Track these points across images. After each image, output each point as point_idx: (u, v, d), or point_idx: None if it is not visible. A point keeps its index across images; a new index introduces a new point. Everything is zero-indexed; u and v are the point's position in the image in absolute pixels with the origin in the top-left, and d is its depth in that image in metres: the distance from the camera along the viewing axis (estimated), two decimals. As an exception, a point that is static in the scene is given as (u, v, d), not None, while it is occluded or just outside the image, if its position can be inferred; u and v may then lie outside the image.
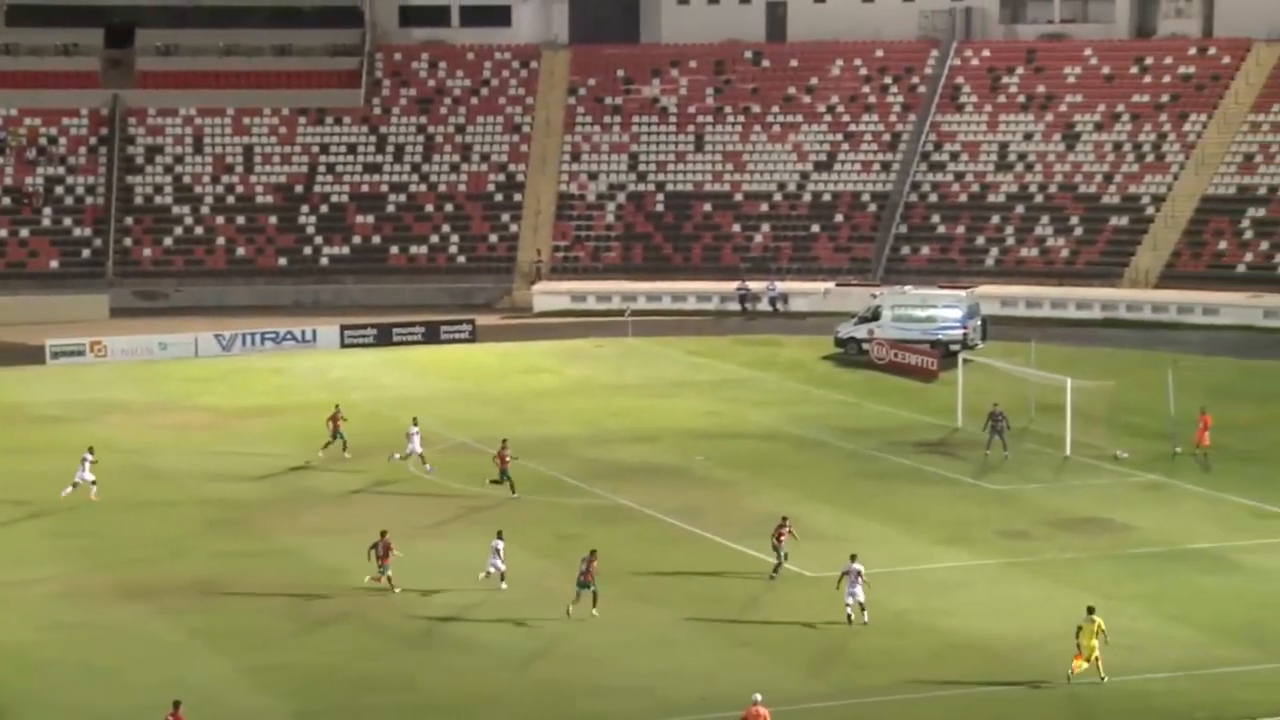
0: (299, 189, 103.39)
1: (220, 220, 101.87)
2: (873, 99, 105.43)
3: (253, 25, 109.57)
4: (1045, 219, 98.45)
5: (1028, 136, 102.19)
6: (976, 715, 40.99)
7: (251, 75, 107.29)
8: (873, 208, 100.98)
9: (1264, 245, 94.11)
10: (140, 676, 42.98)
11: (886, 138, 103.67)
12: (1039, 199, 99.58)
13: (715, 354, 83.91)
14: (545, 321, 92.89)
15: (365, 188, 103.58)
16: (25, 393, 76.41)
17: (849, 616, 46.27)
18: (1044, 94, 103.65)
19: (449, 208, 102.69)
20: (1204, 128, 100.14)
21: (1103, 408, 65.56)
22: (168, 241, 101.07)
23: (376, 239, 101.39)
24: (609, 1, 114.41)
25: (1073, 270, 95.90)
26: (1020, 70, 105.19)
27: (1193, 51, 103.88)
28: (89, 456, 58.58)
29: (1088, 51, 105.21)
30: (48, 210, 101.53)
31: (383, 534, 49.52)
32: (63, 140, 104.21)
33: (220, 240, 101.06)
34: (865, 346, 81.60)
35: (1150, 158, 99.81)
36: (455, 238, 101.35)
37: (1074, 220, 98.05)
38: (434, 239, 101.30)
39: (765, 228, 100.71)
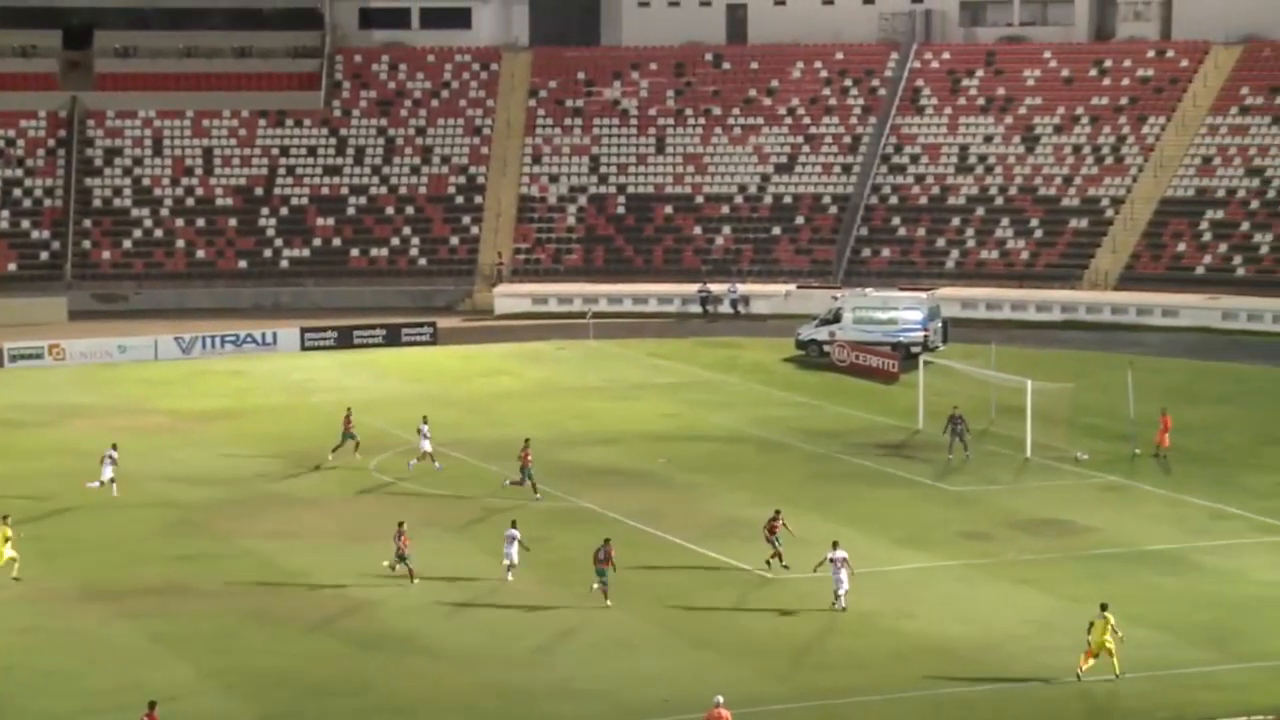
0: (259, 191, 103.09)
1: (180, 223, 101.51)
2: (833, 101, 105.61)
3: (212, 27, 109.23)
4: (1005, 221, 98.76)
5: (988, 139, 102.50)
6: (940, 716, 41.06)
7: (211, 77, 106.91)
8: (833, 210, 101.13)
9: (1222, 247, 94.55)
10: (100, 680, 42.78)
11: (847, 140, 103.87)
12: (999, 201, 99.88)
13: (677, 356, 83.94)
14: (506, 324, 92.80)
15: (325, 190, 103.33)
16: (-17, 396, 76.00)
17: (834, 605, 46.90)
18: (1004, 96, 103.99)
19: (410, 210, 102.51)
20: (1162, 130, 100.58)
21: (1063, 409, 65.79)
22: (127, 244, 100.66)
23: (337, 241, 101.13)
24: (569, 4, 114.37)
25: (1032, 272, 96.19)
26: (980, 73, 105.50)
27: (1151, 54, 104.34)
28: (112, 453, 58.73)
29: (1047, 54, 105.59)
30: (5, 212, 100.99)
31: (400, 525, 49.99)
32: (20, 142, 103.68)
33: (180, 243, 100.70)
34: (826, 349, 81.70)
35: (1109, 160, 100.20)
36: (416, 240, 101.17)
37: (1034, 222, 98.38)
38: (395, 241, 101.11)
39: (726, 230, 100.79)
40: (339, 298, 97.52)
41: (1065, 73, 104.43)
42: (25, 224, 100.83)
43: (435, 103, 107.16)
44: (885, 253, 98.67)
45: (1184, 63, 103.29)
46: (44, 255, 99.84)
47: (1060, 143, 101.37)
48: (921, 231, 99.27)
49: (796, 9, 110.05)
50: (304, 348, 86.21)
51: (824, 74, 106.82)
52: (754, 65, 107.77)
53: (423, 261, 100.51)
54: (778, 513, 50.86)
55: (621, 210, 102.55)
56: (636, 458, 64.32)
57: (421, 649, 45.00)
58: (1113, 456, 63.42)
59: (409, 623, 46.82)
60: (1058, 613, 47.19)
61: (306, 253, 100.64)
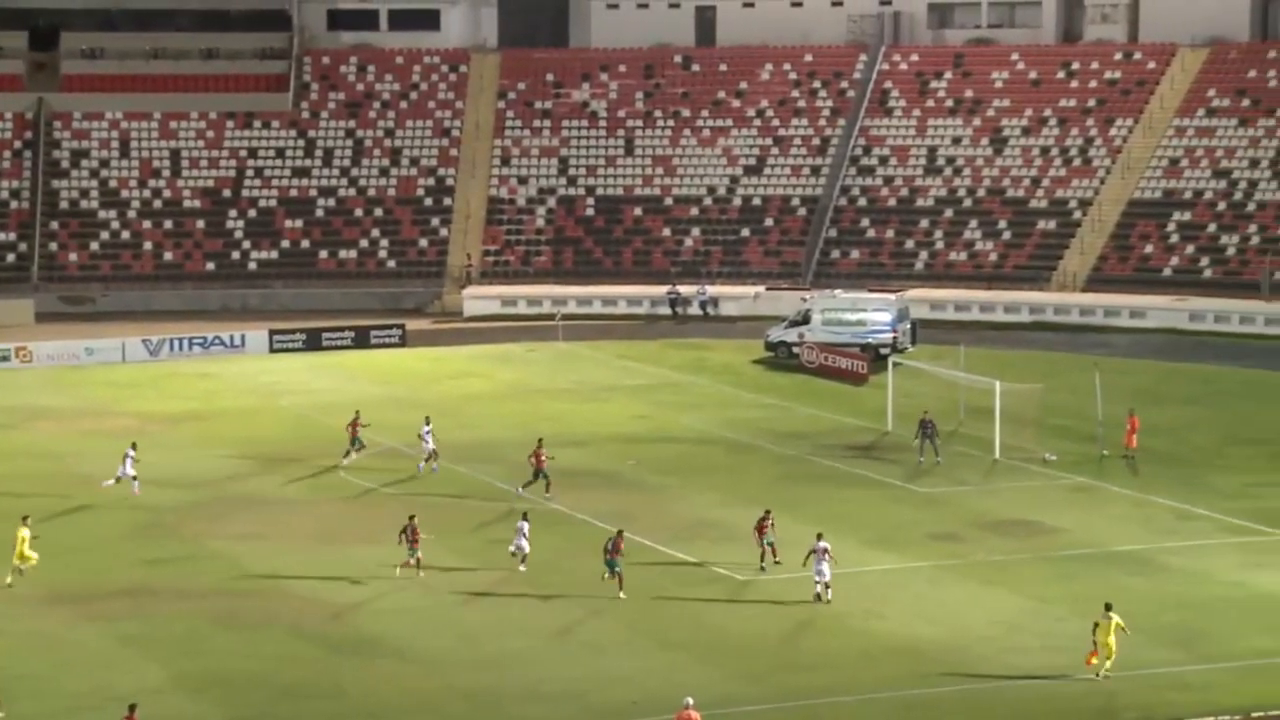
0: (226, 193, 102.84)
1: (147, 225, 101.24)
2: (802, 103, 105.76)
3: (179, 28, 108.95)
4: (974, 223, 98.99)
5: (956, 141, 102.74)
6: (910, 717, 41.15)
7: (178, 79, 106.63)
8: (802, 212, 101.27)
9: (1189, 249, 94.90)
10: (69, 683, 42.65)
11: (816, 142, 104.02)
12: (967, 203, 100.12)
13: (646, 358, 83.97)
14: (475, 326, 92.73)
15: (294, 192, 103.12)
16: (-50, 399, 75.71)
17: (817, 595, 47.38)
18: (972, 98, 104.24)
19: (378, 212, 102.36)
20: (1130, 132, 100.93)
21: (1031, 411, 65.96)
22: (94, 246, 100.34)
23: (305, 243, 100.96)
24: (538, 6, 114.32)
25: (1001, 274, 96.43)
26: (948, 75, 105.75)
27: (1118, 57, 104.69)
28: (131, 452, 58.86)
29: (1015, 56, 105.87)
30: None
31: (411, 518, 50.36)
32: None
33: (147, 245, 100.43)
34: (795, 350, 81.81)
35: (1077, 162, 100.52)
36: (385, 242, 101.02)
37: (1002, 224, 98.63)
38: (363, 243, 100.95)
39: (695, 232, 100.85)
40: (307, 300, 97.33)
41: (1033, 75, 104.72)
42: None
43: (404, 104, 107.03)
44: (854, 254, 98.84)
45: (1151, 65, 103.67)
46: (10, 257, 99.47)
47: (1028, 144, 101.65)
48: (890, 233, 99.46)
49: (765, 11, 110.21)
50: (272, 350, 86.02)
51: (793, 76, 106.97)
52: (723, 67, 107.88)
53: (391, 263, 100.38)
54: (768, 513, 51.12)
55: (590, 212, 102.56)
56: (606, 459, 64.34)
57: (392, 651, 44.95)
58: (1081, 457, 63.62)
59: (380, 625, 46.76)
60: (1026, 613, 47.36)
61: (275, 255, 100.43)
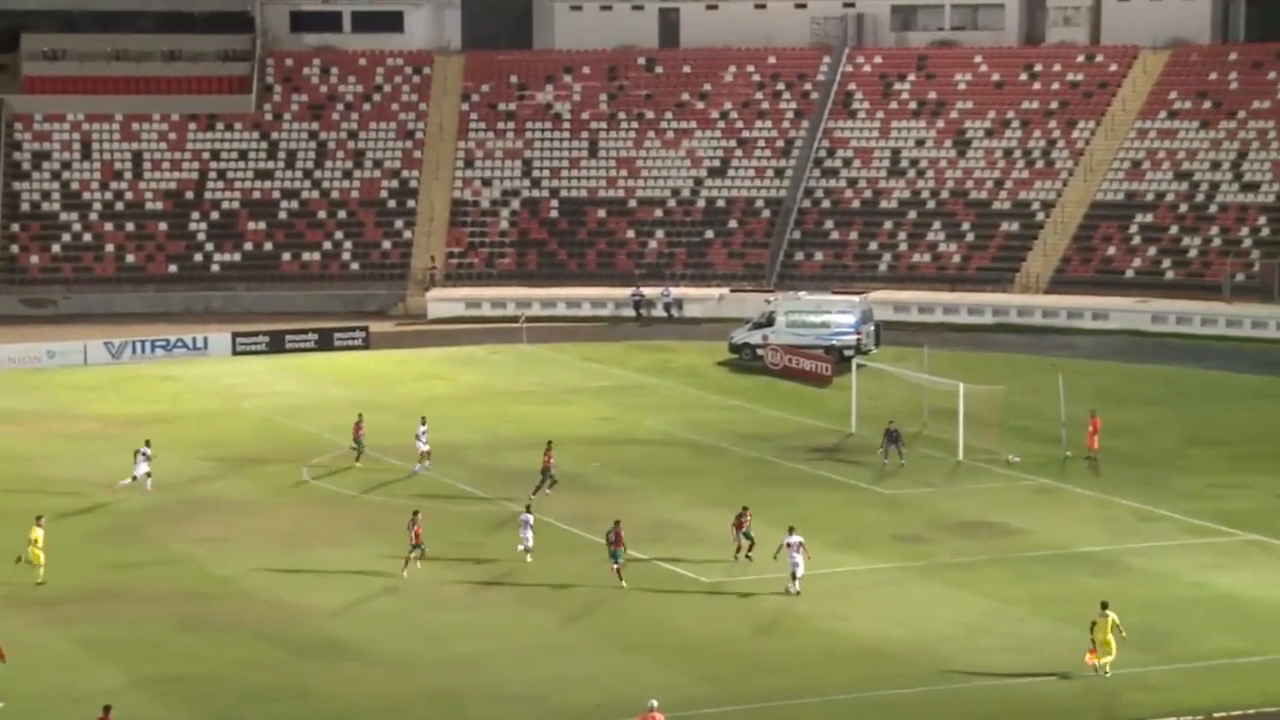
0: (189, 195, 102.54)
1: (109, 227, 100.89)
2: (766, 105, 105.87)
3: (141, 30, 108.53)
4: (937, 225, 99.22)
5: (919, 143, 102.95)
6: (873, 718, 41.16)
7: (140, 80, 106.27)
8: (766, 214, 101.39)
9: (1151, 251, 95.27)
10: (29, 686, 42.38)
11: (780, 144, 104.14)
12: (931, 205, 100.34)
13: (610, 360, 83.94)
14: (439, 328, 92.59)
15: (257, 194, 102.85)
16: (-90, 402, 75.31)
17: (787, 588, 47.99)
18: (935, 100, 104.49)
19: (342, 214, 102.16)
20: (1092, 134, 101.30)
21: (994, 412, 66.10)
22: (55, 248, 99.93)
23: (268, 246, 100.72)
24: (502, 7, 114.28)
25: (964, 275, 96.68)
26: (911, 77, 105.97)
27: (1081, 59, 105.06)
28: (145, 450, 58.98)
29: (978, 59, 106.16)
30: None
31: (415, 514, 50.84)
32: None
33: (109, 247, 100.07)
34: (760, 352, 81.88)
35: (1040, 164, 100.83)
36: (348, 244, 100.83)
37: (965, 226, 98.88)
38: (327, 245, 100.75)
39: (659, 234, 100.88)
40: (270, 302, 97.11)
41: (996, 77, 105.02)
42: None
43: (367, 106, 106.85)
44: (818, 256, 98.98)
45: (1113, 67, 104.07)
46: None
47: (991, 146, 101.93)
48: (854, 235, 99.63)
49: (729, 13, 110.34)
50: (235, 352, 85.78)
51: (756, 78, 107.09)
52: (686, 69, 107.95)
53: (355, 266, 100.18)
54: (745, 509, 51.71)
55: (554, 214, 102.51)
56: (570, 461, 64.23)
57: (356, 654, 44.84)
58: (1044, 459, 63.79)
59: (344, 628, 46.64)
60: (989, 615, 47.46)
61: (237, 257, 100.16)
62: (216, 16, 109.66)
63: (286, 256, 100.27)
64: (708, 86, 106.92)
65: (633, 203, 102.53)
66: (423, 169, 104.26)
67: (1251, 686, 42.29)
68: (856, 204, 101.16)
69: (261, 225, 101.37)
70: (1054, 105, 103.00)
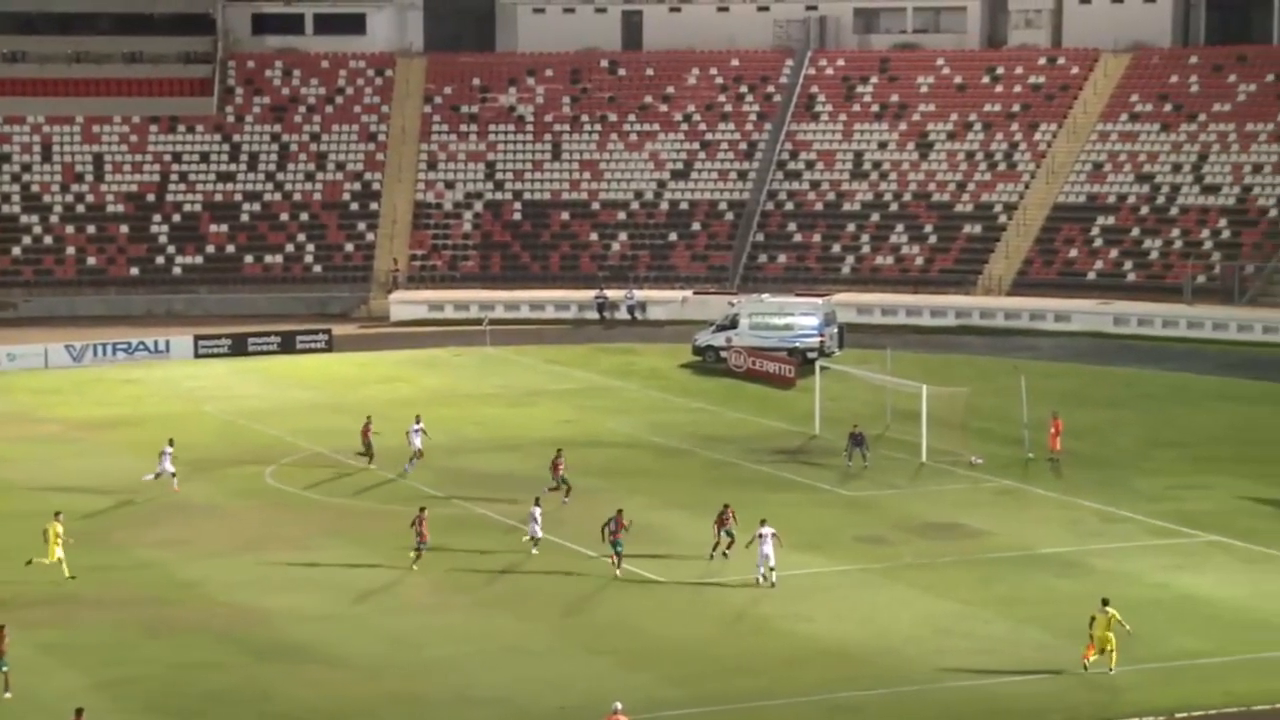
0: (150, 198, 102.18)
1: (70, 230, 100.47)
2: (729, 108, 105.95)
3: (102, 32, 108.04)
4: (900, 227, 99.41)
5: (882, 145, 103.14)
6: (836, 720, 41.27)
7: (101, 83, 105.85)
8: (730, 216, 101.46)
9: (1113, 253, 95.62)
10: (-10, 693, 42.18)
11: (743, 146, 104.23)
12: (894, 207, 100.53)
13: (574, 362, 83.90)
14: (402, 331, 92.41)
15: (219, 196, 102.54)
16: None
17: (759, 578, 48.83)
18: (897, 103, 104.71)
19: (304, 217, 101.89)
20: (1054, 137, 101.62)
21: (957, 414, 66.24)
22: (16, 251, 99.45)
23: (230, 248, 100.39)
24: (464, 10, 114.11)
25: (927, 278, 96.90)
26: (874, 79, 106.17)
27: (1042, 62, 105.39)
28: (169, 449, 59.14)
29: (940, 61, 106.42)
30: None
31: (421, 510, 51.34)
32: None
33: (70, 250, 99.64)
34: (723, 354, 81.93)
35: (1002, 166, 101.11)
36: (311, 247, 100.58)
37: (928, 228, 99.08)
38: (289, 248, 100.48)
39: (623, 236, 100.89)
40: (233, 305, 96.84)
41: (958, 80, 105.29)
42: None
43: (329, 109, 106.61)
44: (781, 258, 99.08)
45: (1074, 70, 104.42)
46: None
47: (954, 149, 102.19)
48: (817, 237, 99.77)
49: (692, 16, 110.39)
50: (197, 355, 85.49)
51: (719, 80, 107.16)
52: (649, 71, 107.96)
53: (318, 268, 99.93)
54: (727, 506, 52.07)
55: (518, 216, 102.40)
56: (534, 464, 64.17)
57: (319, 658, 44.71)
58: (1006, 460, 63.95)
59: (307, 631, 46.50)
60: (953, 616, 47.55)
61: (199, 260, 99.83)
62: (177, 18, 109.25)
63: (249, 259, 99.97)
64: (671, 89, 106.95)
65: (596, 205, 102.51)
66: (385, 171, 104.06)
67: (1214, 687, 42.46)
68: (819, 206, 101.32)
69: (223, 228, 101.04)
70: (1016, 108, 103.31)
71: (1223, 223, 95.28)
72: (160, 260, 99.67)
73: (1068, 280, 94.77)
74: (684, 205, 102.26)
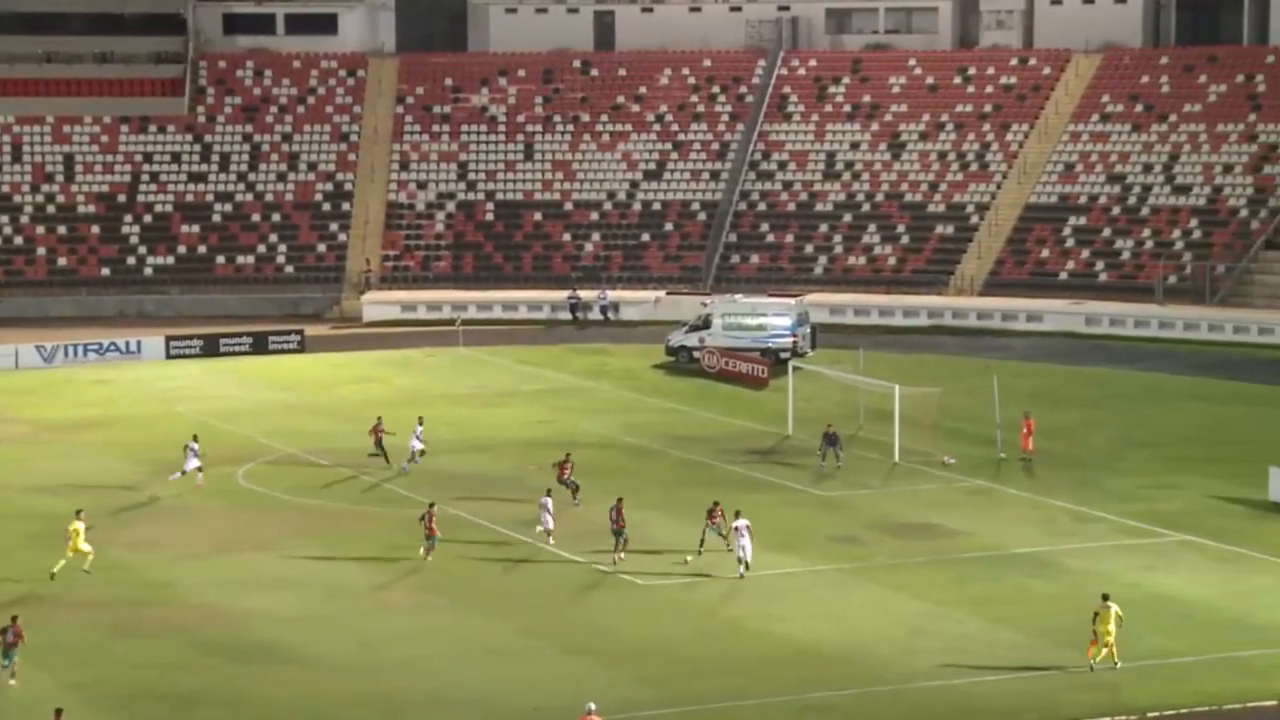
0: (122, 198, 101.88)
1: (40, 230, 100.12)
2: (701, 108, 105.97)
3: (72, 32, 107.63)
4: (872, 227, 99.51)
5: (854, 146, 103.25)
6: (809, 720, 41.28)
7: (72, 83, 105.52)
8: (702, 216, 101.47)
9: (1085, 253, 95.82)
10: (-40, 696, 42.03)
11: (715, 147, 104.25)
12: (866, 208, 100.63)
13: (547, 363, 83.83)
14: (375, 331, 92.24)
15: (190, 197, 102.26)
16: None
17: (741, 573, 49.61)
18: (870, 104, 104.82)
19: (276, 217, 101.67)
20: (1026, 137, 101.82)
21: (930, 414, 66.32)
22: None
23: (202, 249, 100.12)
24: (436, 10, 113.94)
25: (900, 278, 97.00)
26: (846, 80, 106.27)
27: (1014, 63, 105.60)
28: (194, 445, 59.15)
29: (912, 62, 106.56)
30: None
31: (430, 505, 51.77)
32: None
33: (41, 250, 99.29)
34: (696, 355, 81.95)
35: (974, 167, 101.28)
36: (283, 247, 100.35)
37: (900, 229, 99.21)
38: (261, 249, 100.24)
39: (595, 236, 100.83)
40: (204, 305, 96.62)
41: (930, 80, 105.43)
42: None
43: (301, 109, 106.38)
44: (754, 259, 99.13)
45: (1046, 71, 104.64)
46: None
47: (926, 149, 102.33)
48: (790, 238, 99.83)
49: (664, 16, 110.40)
50: (169, 356, 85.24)
51: (691, 81, 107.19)
52: (622, 72, 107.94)
53: (290, 269, 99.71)
54: (716, 503, 52.57)
55: (490, 217, 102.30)
56: (507, 465, 64.16)
57: (291, 659, 44.61)
58: (979, 460, 64.04)
59: (280, 632, 46.38)
60: (926, 616, 47.60)
61: (171, 260, 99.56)
62: (148, 18, 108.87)
63: (220, 259, 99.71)
64: (643, 89, 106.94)
65: (569, 205, 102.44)
66: (357, 172, 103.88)
67: (1186, 686, 42.58)
68: (792, 207, 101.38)
69: (195, 228, 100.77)
70: (988, 108, 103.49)
71: (1194, 223, 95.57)
72: (131, 261, 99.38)
73: (1040, 280, 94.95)
74: (657, 206, 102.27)
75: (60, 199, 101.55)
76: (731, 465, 64.04)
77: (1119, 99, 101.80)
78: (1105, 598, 43.60)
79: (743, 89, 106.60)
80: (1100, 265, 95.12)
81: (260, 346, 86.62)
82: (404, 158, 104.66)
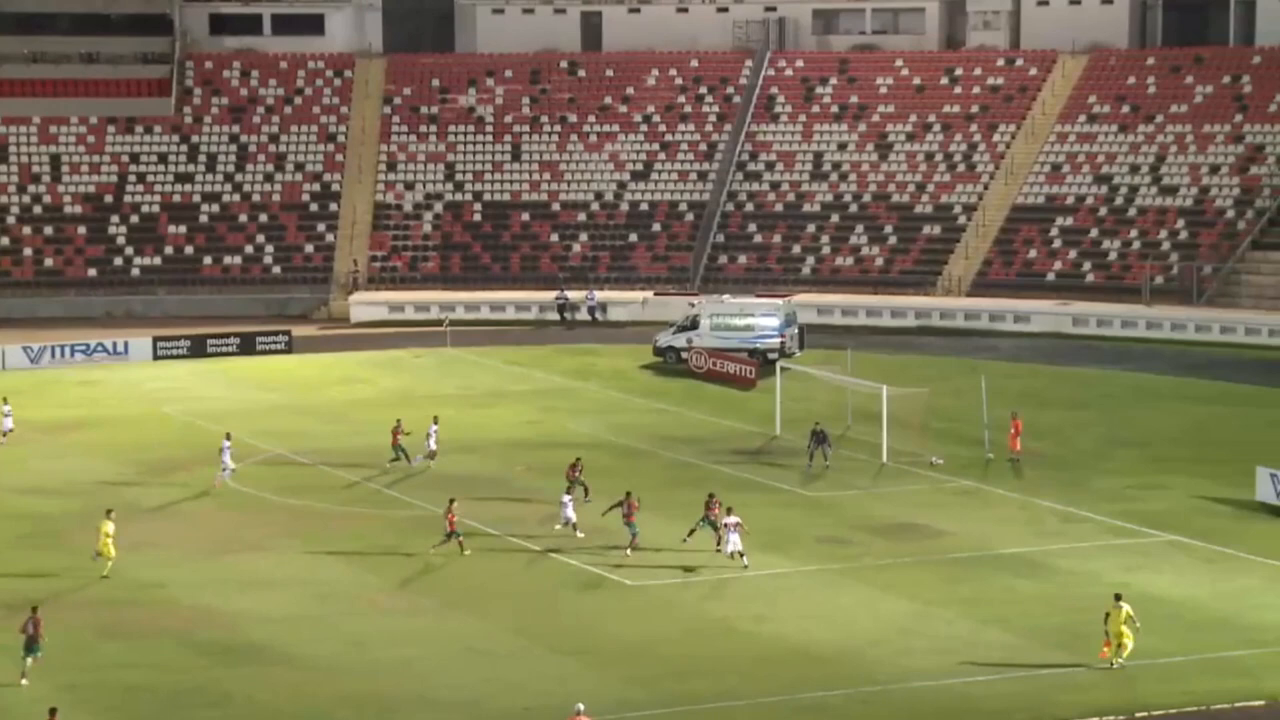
0: (108, 199, 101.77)
1: (27, 231, 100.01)
2: (688, 109, 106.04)
3: (59, 32, 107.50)
4: (860, 228, 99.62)
5: (841, 146, 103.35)
6: (799, 720, 41.33)
7: (58, 83, 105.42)
8: (690, 217, 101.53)
9: (1072, 254, 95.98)
10: (-51, 697, 41.99)
11: (703, 147, 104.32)
12: (853, 208, 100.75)
13: (534, 363, 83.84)
14: (363, 332, 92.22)
15: (177, 197, 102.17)
16: None
17: (744, 566, 50.39)
18: (857, 104, 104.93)
19: (263, 218, 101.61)
20: (1013, 138, 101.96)
21: (918, 414, 66.42)
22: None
23: (189, 249, 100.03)
24: (423, 11, 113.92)
25: (887, 279, 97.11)
26: (833, 80, 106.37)
27: (1001, 63, 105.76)
28: (227, 444, 59.66)
29: (899, 62, 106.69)
30: None
31: (451, 502, 52.21)
32: None
33: (27, 251, 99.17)
34: (684, 355, 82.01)
35: (961, 168, 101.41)
36: (270, 248, 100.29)
37: (888, 229, 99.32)
38: (248, 249, 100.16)
39: (583, 237, 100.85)
40: (192, 306, 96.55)
41: (917, 81, 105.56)
42: None
43: (288, 109, 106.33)
44: (742, 259, 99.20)
45: (1033, 71, 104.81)
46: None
47: (913, 150, 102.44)
48: (777, 238, 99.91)
49: (651, 16, 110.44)
50: (156, 357, 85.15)
51: (679, 81, 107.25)
52: (609, 72, 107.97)
53: (277, 269, 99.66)
54: (712, 495, 53.14)
55: (478, 217, 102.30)
56: (494, 465, 64.17)
57: (281, 659, 44.60)
58: (967, 461, 64.13)
59: (268, 633, 46.37)
60: (915, 616, 47.66)
61: (158, 261, 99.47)
62: (135, 19, 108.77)
63: (207, 260, 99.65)
64: (630, 90, 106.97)
65: (556, 206, 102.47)
66: (345, 172, 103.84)
67: (1173, 686, 42.67)
68: (779, 207, 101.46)
69: (182, 229, 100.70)
70: (975, 109, 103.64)
71: (1180, 223, 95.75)
72: (118, 261, 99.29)
73: (1027, 281, 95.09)
74: (644, 206, 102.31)
75: (47, 199, 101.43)
76: (719, 466, 64.09)
77: (1106, 100, 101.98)
78: (1118, 598, 43.73)
79: (730, 90, 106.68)
80: (1087, 266, 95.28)
81: (247, 347, 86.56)
82: (391, 158, 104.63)
